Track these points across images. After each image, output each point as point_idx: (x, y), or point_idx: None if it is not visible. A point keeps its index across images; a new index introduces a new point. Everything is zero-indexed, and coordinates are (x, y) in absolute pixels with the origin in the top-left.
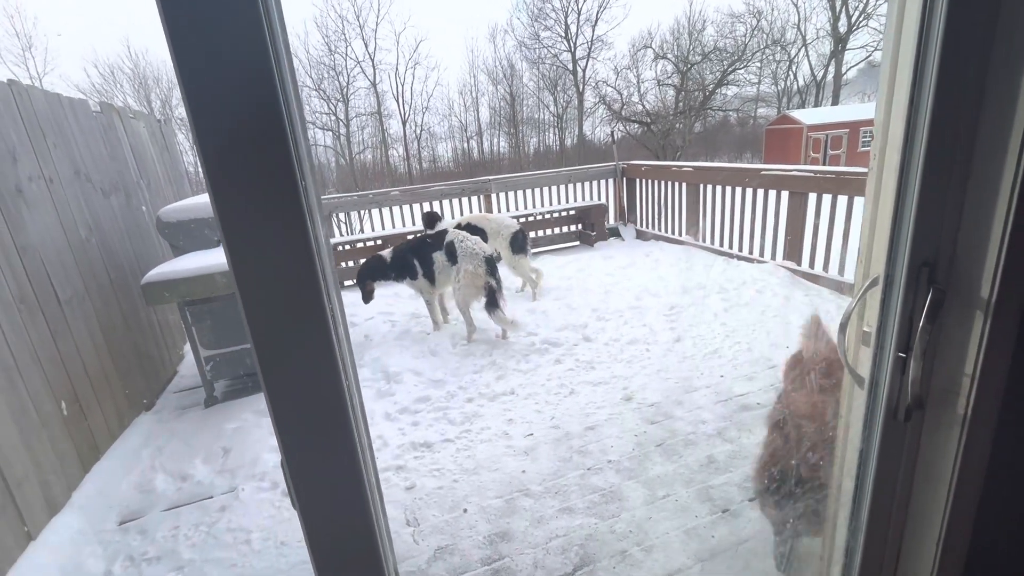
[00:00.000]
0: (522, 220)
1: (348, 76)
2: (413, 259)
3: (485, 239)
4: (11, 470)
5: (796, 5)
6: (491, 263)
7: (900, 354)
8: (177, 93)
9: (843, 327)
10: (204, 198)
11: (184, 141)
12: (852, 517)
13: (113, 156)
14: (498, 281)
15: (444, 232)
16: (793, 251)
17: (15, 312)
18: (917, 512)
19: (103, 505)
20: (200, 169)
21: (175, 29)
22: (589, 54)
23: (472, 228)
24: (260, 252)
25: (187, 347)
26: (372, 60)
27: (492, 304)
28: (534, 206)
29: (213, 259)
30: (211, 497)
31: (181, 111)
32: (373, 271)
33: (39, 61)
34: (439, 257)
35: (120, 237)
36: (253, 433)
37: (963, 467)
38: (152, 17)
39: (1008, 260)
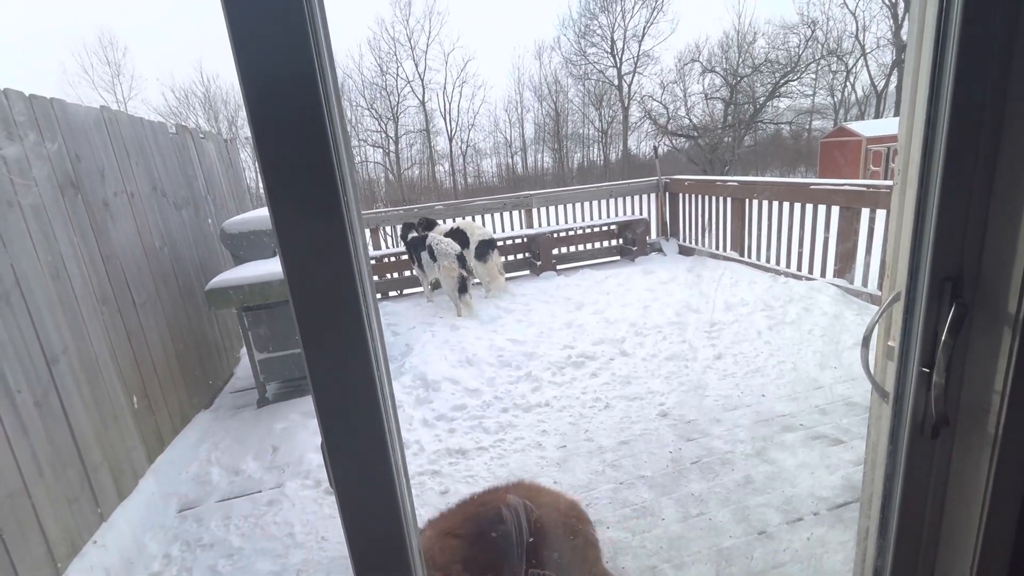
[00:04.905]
0: (562, 234)
1: (399, 96)
2: (412, 251)
3: (467, 242)
4: (89, 456)
5: (854, 14)
6: (461, 258)
7: (924, 369)
8: (242, 114)
9: (866, 341)
10: (263, 211)
11: (247, 159)
12: (880, 536)
13: (185, 173)
14: (468, 271)
15: (427, 236)
16: (845, 268)
17: (98, 313)
18: (949, 535)
19: (165, 493)
20: (261, 185)
21: (244, 67)
22: (635, 69)
23: (459, 232)
24: (306, 259)
25: (243, 351)
26: (422, 80)
27: (462, 290)
28: (575, 220)
29: (270, 268)
30: (260, 491)
31: (246, 130)
32: (404, 234)
33: (126, 87)
34: (425, 255)
35: (188, 247)
36: (300, 433)
37: (996, 489)
38: (222, 45)
39: None
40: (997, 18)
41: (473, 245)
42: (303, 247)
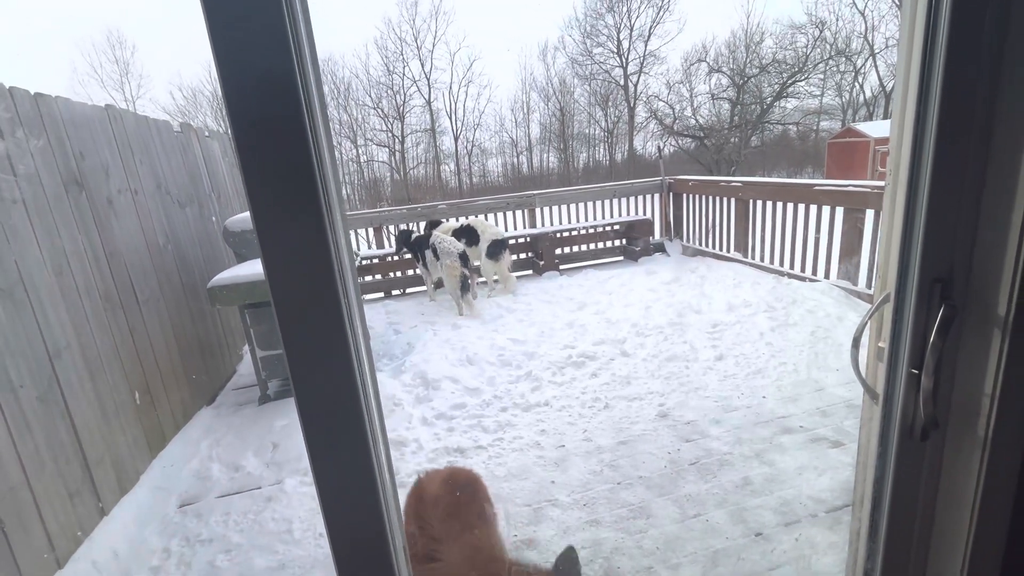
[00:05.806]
0: (565, 234)
1: (405, 95)
2: (417, 250)
3: (477, 240)
4: (91, 451)
5: (863, 14)
6: (463, 257)
7: (913, 371)
8: None
9: (856, 342)
10: None
11: None
12: (870, 538)
13: (189, 171)
14: (470, 270)
15: (430, 235)
16: (848, 269)
17: (101, 310)
18: (940, 537)
19: (166, 489)
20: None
21: (222, 64)
22: (641, 69)
23: (470, 229)
24: (287, 259)
25: (245, 348)
26: (428, 79)
27: (464, 288)
28: (578, 220)
29: None
30: (259, 488)
31: None
32: (405, 239)
33: (134, 86)
34: (429, 253)
35: (192, 244)
36: (299, 431)
37: (986, 491)
38: None
39: None
40: (987, 16)
41: (485, 244)
42: (283, 247)
